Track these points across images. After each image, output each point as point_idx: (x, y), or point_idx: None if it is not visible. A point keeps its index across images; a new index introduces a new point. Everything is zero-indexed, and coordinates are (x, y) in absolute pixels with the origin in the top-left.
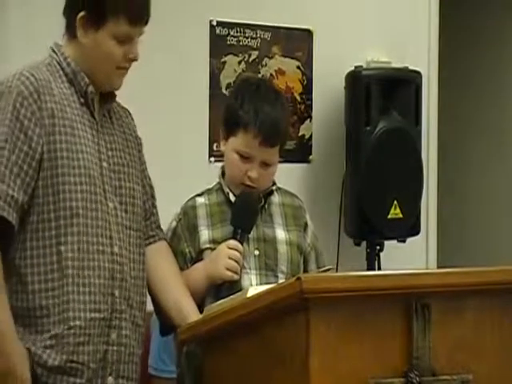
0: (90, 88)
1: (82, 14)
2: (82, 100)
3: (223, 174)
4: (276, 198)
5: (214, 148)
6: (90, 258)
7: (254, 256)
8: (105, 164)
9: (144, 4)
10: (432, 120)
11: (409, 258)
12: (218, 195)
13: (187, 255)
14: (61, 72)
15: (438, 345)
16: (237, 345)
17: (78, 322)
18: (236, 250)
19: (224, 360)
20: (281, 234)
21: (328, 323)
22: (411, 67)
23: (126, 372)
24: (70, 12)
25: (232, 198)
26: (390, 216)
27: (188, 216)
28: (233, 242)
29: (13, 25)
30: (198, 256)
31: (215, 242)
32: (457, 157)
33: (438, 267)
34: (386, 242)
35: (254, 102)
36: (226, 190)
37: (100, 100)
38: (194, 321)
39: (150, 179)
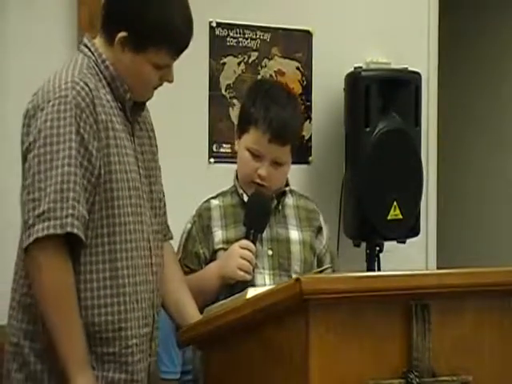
0: (129, 94)
1: (123, 34)
2: (119, 105)
3: (237, 176)
4: (290, 200)
5: (214, 149)
6: (140, 273)
7: (268, 256)
8: (141, 171)
9: (187, 35)
10: (431, 121)
11: (408, 259)
12: (233, 197)
13: (201, 256)
14: (100, 75)
15: (438, 346)
16: (237, 346)
17: (134, 340)
18: (248, 249)
19: (224, 361)
20: (294, 234)
21: (327, 324)
22: (411, 68)
23: (155, 381)
24: (110, 21)
25: (246, 199)
26: (389, 217)
27: (202, 218)
28: (245, 242)
29: (13, 26)
30: (212, 256)
31: (229, 242)
32: (456, 158)
33: (438, 268)
34: (386, 243)
35: (265, 100)
36: (240, 191)
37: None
38: (194, 322)
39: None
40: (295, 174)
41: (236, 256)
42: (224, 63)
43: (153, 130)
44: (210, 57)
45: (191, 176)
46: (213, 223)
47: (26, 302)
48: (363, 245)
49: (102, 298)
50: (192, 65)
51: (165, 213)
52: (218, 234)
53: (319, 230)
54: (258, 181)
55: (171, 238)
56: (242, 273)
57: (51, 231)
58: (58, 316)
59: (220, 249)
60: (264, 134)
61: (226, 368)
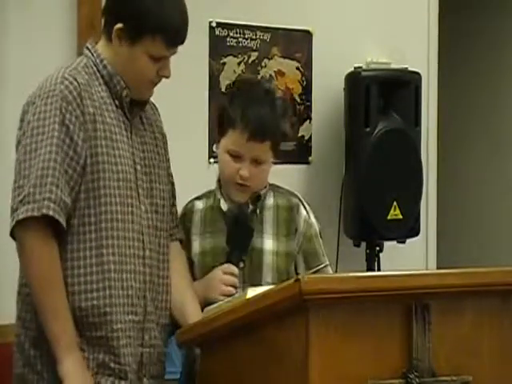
0: (126, 91)
1: (119, 25)
2: (116, 102)
3: (220, 180)
4: (270, 201)
5: (214, 149)
6: (128, 262)
7: (239, 268)
8: (138, 167)
9: (182, 27)
10: (431, 121)
11: (408, 259)
12: (215, 200)
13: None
14: (97, 74)
15: (438, 346)
16: (236, 346)
17: (120, 325)
18: (231, 273)
19: (223, 361)
20: (269, 244)
21: (327, 324)
22: (411, 68)
23: (156, 372)
24: (108, 17)
25: (223, 205)
26: (389, 217)
27: (185, 221)
28: (227, 267)
29: (12, 27)
30: (191, 265)
31: (205, 253)
32: (456, 158)
33: (438, 268)
34: (386, 243)
35: (241, 100)
36: (218, 196)
37: (132, 102)
38: (193, 322)
39: (172, 177)
40: (295, 174)
41: (219, 283)
42: (224, 63)
43: (162, 133)
44: (209, 57)
45: (191, 176)
46: (192, 229)
47: (24, 292)
48: (363, 245)
49: (89, 283)
50: (192, 65)
51: (173, 213)
52: (196, 244)
53: (295, 231)
54: (241, 181)
55: (179, 239)
56: (227, 298)
57: (29, 213)
58: (43, 296)
59: (196, 259)
60: (242, 133)
61: (225, 368)
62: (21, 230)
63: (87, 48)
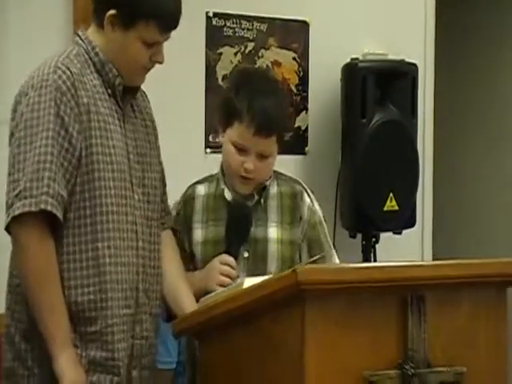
0: (118, 80)
1: (112, 12)
2: (109, 91)
3: (223, 168)
4: (274, 189)
5: (210, 139)
6: (123, 255)
7: (244, 258)
8: (131, 156)
9: (176, 12)
10: (428, 112)
11: (404, 250)
12: (218, 187)
13: (185, 248)
14: (89, 62)
15: (433, 337)
16: (232, 336)
17: (115, 320)
18: (229, 264)
19: (219, 351)
20: (273, 232)
21: (323, 315)
22: (407, 59)
23: (147, 363)
24: (99, 4)
25: (227, 194)
26: (385, 208)
27: (186, 208)
28: (225, 258)
29: (12, 25)
30: (191, 255)
31: (207, 242)
32: (453, 149)
33: (434, 259)
34: (382, 234)
35: (248, 92)
36: (222, 185)
37: (124, 90)
38: (189, 312)
39: (162, 164)
40: (291, 165)
41: (217, 273)
42: (220, 53)
43: (152, 120)
44: (206, 47)
45: (187, 165)
46: (194, 217)
47: (14, 283)
48: (359, 236)
49: (85, 277)
50: (188, 55)
51: (163, 201)
52: (198, 233)
53: (300, 219)
54: (245, 174)
55: (171, 227)
56: (222, 288)
57: (26, 209)
58: (39, 292)
59: (198, 248)
60: (248, 127)
61: (222, 358)
62: (17, 225)
63: (78, 35)
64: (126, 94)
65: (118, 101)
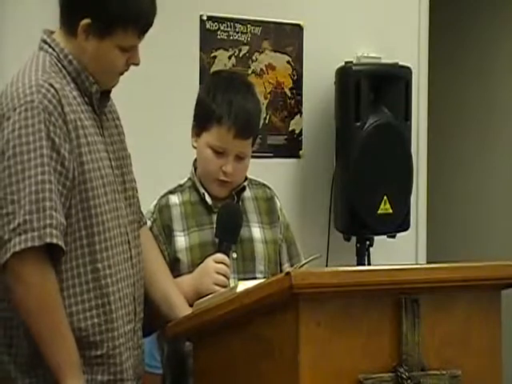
0: (95, 87)
1: (86, 21)
2: (86, 99)
3: (195, 170)
4: (248, 193)
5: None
6: (121, 269)
7: (232, 259)
8: (113, 163)
9: (152, 11)
10: (422, 115)
11: (398, 254)
12: (192, 194)
13: (166, 257)
14: (64, 71)
15: (427, 340)
16: (226, 340)
17: (121, 340)
18: (223, 263)
19: (213, 355)
20: (257, 232)
21: (317, 318)
22: (401, 63)
23: (141, 372)
24: (71, 11)
25: (208, 199)
26: (379, 211)
27: (163, 216)
28: (219, 256)
29: (10, 23)
30: (175, 262)
31: (192, 248)
32: (446, 152)
33: (428, 262)
34: (376, 238)
35: (226, 94)
36: (202, 190)
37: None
38: (183, 316)
39: (130, 157)
40: (286, 168)
41: (211, 271)
42: (214, 57)
43: (118, 118)
44: (200, 50)
45: (180, 168)
46: (174, 225)
47: (5, 316)
48: (353, 239)
49: (87, 301)
50: (182, 58)
51: (138, 199)
52: (181, 240)
53: (277, 220)
54: (223, 178)
55: (146, 223)
56: (218, 288)
57: (29, 244)
58: (47, 327)
59: (183, 256)
60: (229, 130)
61: (216, 362)
62: (17, 261)
63: (45, 42)
64: (101, 100)
65: (95, 109)
